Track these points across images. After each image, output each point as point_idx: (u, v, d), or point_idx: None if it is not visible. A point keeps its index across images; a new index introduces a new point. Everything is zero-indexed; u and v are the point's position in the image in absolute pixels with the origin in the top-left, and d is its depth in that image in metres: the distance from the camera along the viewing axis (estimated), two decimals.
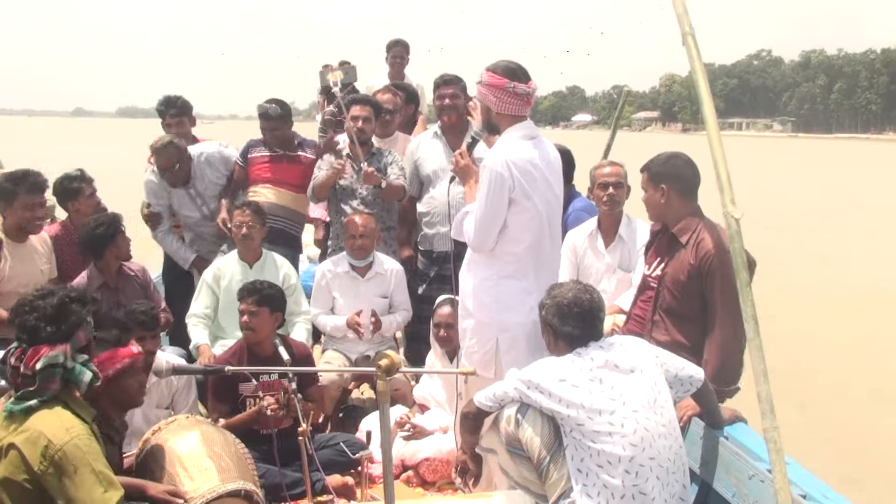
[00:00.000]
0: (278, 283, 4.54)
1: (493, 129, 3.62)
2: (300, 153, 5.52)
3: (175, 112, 5.71)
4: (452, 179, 3.82)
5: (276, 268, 4.94)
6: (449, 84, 5.20)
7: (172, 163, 5.28)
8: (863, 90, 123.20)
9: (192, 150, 5.45)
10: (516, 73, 3.49)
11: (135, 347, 3.15)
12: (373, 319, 4.83)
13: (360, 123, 5.18)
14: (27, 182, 4.45)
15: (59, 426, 2.58)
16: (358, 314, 4.81)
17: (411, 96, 6.43)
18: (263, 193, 5.34)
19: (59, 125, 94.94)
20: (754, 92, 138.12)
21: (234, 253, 4.93)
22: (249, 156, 5.47)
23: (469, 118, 5.23)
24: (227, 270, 4.88)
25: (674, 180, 3.64)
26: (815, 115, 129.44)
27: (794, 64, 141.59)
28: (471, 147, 3.78)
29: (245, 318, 4.08)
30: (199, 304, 4.88)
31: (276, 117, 5.38)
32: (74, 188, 4.94)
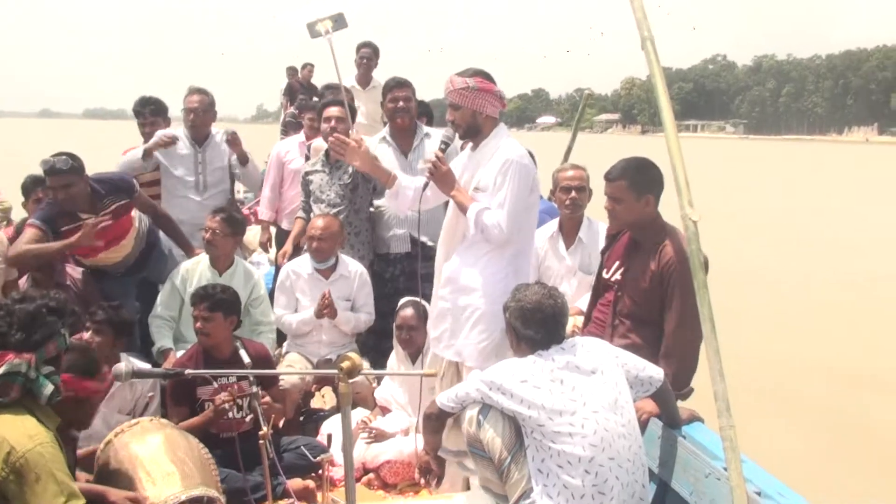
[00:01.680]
0: (246, 294, 4.45)
1: (473, 132, 3.64)
2: (111, 207, 4.52)
3: (150, 112, 5.66)
4: (426, 186, 3.70)
5: (246, 278, 4.78)
6: (402, 87, 5.13)
7: (204, 105, 5.41)
8: (809, 94, 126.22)
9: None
10: (493, 77, 3.61)
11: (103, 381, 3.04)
12: (327, 300, 4.66)
13: (332, 124, 5.08)
14: None
15: (22, 433, 2.47)
16: (323, 298, 4.66)
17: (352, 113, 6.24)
18: (103, 259, 4.72)
19: (25, 126, 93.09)
20: (709, 95, 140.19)
21: (207, 258, 4.78)
22: (62, 230, 4.36)
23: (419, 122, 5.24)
24: (195, 275, 4.72)
25: (655, 189, 3.53)
26: (765, 117, 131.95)
27: (747, 68, 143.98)
28: (443, 152, 3.71)
29: (199, 323, 3.97)
30: (165, 305, 4.73)
31: (67, 171, 4.29)
32: (27, 187, 4.94)
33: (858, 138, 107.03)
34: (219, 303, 3.97)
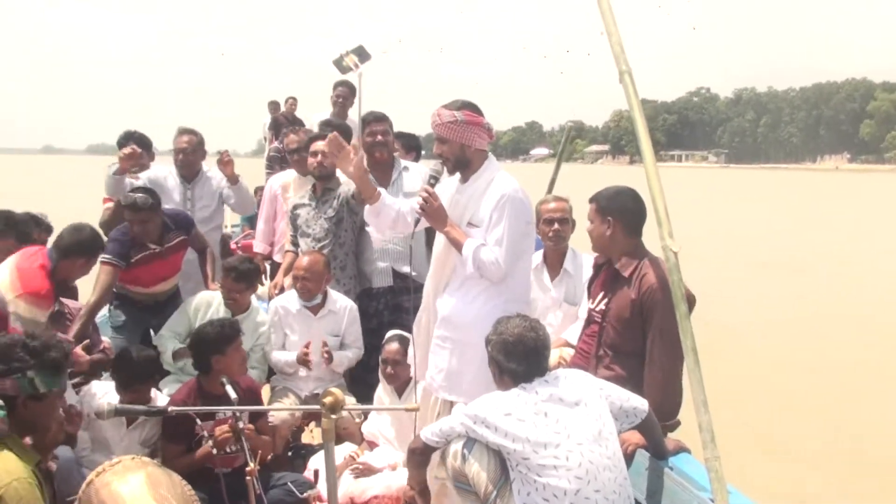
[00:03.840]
0: (251, 341, 4.50)
1: (463, 165, 3.50)
2: (175, 240, 4.85)
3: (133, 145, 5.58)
4: (418, 221, 3.58)
5: (256, 325, 4.71)
6: (380, 121, 5.09)
7: (193, 144, 5.41)
8: (785, 124, 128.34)
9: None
10: (480, 110, 3.48)
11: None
12: (325, 349, 4.60)
13: (318, 157, 5.01)
14: None
15: (0, 468, 2.40)
16: (307, 346, 4.60)
17: (346, 135, 6.23)
18: (140, 292, 4.92)
19: (28, 163, 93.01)
20: (692, 126, 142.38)
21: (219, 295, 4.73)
22: (133, 258, 4.65)
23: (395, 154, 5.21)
24: (210, 310, 4.66)
25: (620, 215, 3.52)
26: (745, 147, 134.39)
27: (728, 100, 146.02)
28: (433, 187, 3.57)
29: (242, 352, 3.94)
30: (171, 328, 4.67)
31: (146, 208, 4.58)
32: (27, 232, 4.74)
33: (829, 166, 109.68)
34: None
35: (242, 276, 4.63)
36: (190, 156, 5.44)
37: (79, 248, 4.15)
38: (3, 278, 3.95)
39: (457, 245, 3.44)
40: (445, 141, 3.46)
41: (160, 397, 4.02)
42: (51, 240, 4.93)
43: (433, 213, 3.48)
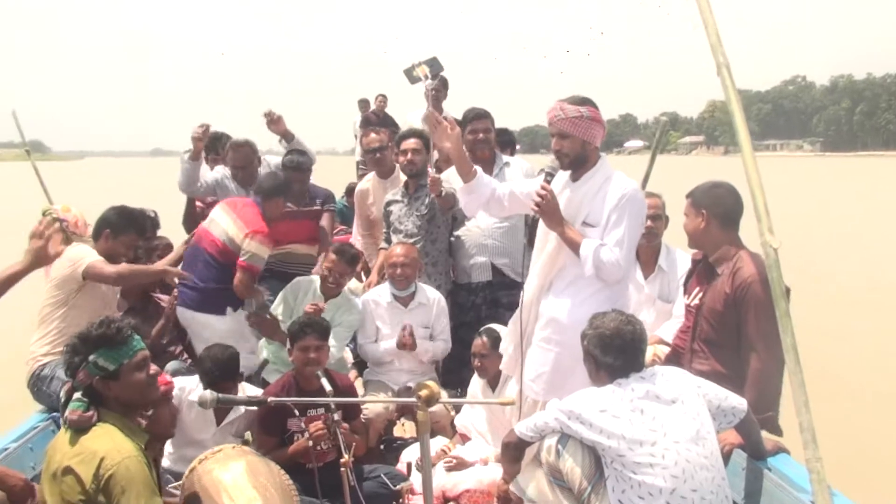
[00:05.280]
0: (335, 319, 4.54)
1: (580, 163, 3.37)
2: (313, 207, 5.35)
3: (221, 147, 5.79)
4: (534, 220, 3.48)
5: (346, 311, 4.76)
6: (482, 118, 5.02)
7: (248, 160, 5.40)
8: (882, 111, 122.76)
9: (266, 157, 5.65)
10: (599, 107, 3.37)
11: (167, 376, 3.04)
12: (408, 336, 4.59)
13: (409, 156, 5.04)
14: (138, 223, 4.47)
15: (112, 447, 2.48)
16: (404, 329, 4.61)
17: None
18: (275, 253, 5.05)
19: (138, 165, 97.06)
20: (788, 115, 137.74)
21: (318, 280, 4.81)
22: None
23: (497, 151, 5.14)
24: (308, 294, 4.75)
25: (713, 207, 3.45)
26: (840, 135, 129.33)
27: (824, 88, 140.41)
28: (549, 184, 3.42)
29: (313, 354, 3.86)
30: (278, 313, 4.76)
31: (307, 169, 5.30)
32: (144, 225, 4.99)
33: None
34: (326, 331, 3.99)
35: (353, 259, 4.78)
36: (249, 168, 5.39)
37: (278, 189, 4.69)
38: (228, 225, 4.55)
39: (573, 245, 3.30)
40: (567, 136, 3.31)
41: (249, 390, 4.09)
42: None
43: (549, 212, 3.34)
